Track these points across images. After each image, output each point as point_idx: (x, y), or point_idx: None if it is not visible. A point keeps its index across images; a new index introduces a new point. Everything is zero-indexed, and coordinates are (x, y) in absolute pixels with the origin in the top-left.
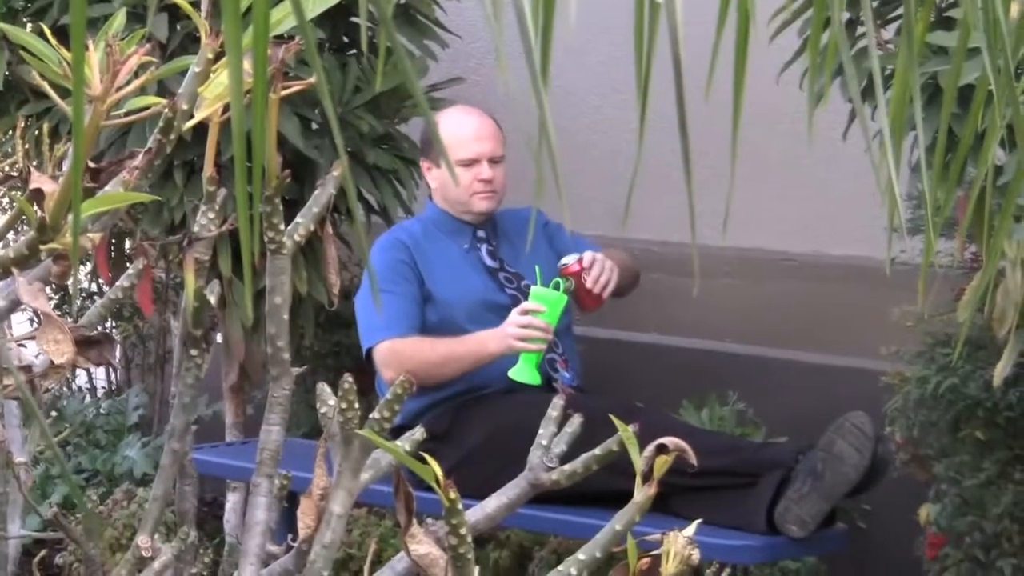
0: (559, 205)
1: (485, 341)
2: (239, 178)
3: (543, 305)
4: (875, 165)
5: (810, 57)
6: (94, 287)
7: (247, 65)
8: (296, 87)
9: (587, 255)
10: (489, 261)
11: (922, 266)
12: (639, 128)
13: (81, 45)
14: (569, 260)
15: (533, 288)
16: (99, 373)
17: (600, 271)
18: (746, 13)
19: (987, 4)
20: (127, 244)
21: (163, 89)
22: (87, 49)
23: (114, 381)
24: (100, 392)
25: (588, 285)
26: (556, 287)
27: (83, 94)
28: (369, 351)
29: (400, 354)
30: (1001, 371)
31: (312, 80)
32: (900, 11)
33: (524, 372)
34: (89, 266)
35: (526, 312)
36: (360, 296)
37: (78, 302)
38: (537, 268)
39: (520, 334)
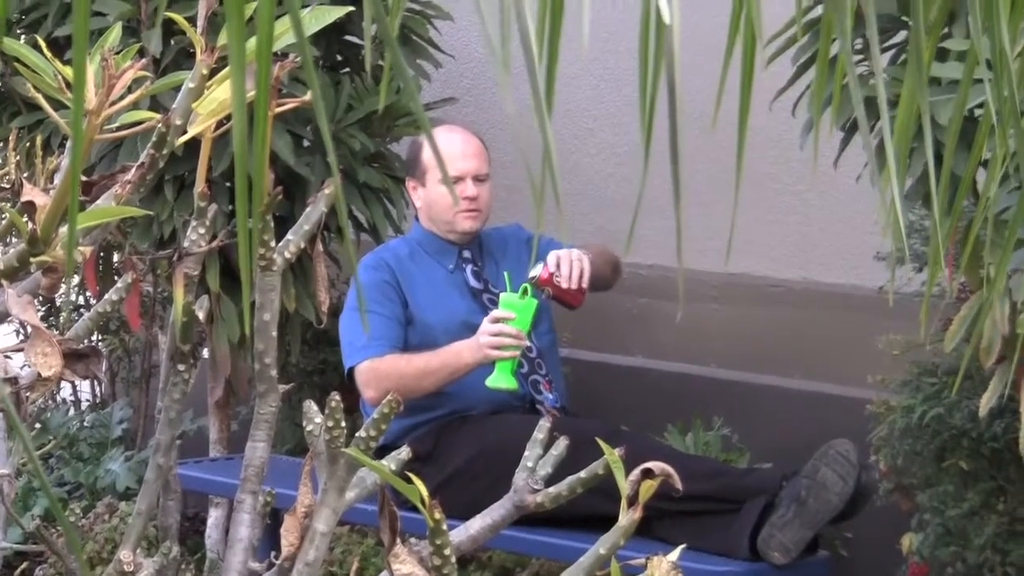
0: (549, 224)
1: (460, 352)
2: (240, 192)
3: (512, 312)
4: (881, 192)
5: (816, 88)
6: (81, 300)
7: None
8: (291, 104)
9: (551, 257)
10: (474, 282)
11: (925, 296)
12: (643, 153)
13: (83, 58)
14: (536, 271)
15: (502, 295)
16: (84, 386)
17: (569, 267)
18: (752, 40)
19: (993, 35)
20: (115, 257)
21: (155, 104)
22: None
23: (99, 394)
24: (84, 405)
25: (564, 285)
26: (524, 292)
27: (83, 107)
28: (351, 371)
29: (378, 372)
30: (987, 402)
31: (307, 98)
32: (892, 40)
33: (501, 379)
34: (77, 279)
35: (497, 320)
36: (344, 316)
37: (64, 314)
38: (507, 274)
39: (493, 342)
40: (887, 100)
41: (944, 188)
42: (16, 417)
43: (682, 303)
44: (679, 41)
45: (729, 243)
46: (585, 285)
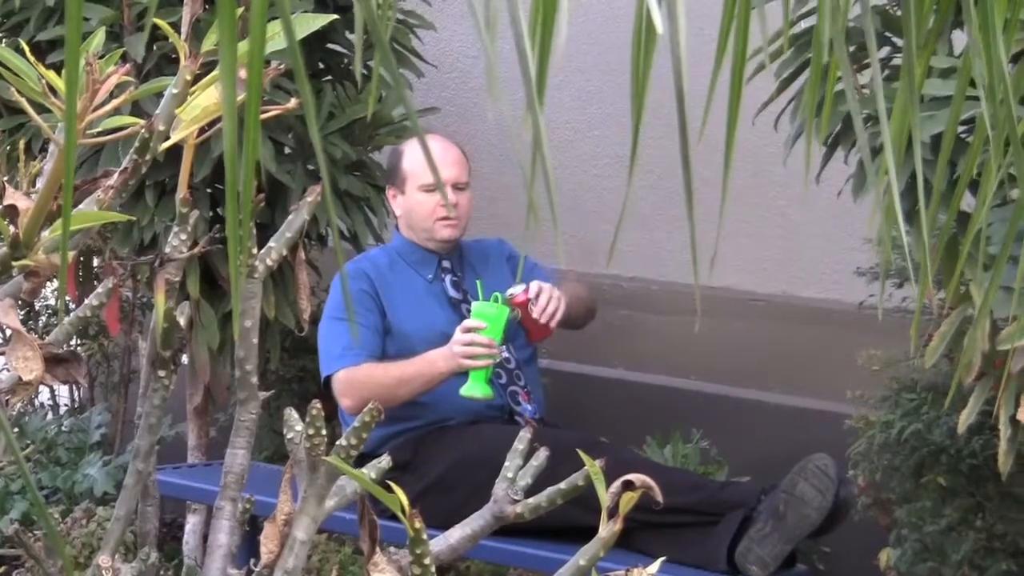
0: (530, 234)
1: (434, 361)
2: (230, 198)
3: (483, 321)
4: (876, 205)
5: (807, 102)
6: (60, 304)
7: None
8: (274, 111)
9: (533, 285)
10: (453, 292)
11: (916, 312)
12: (630, 166)
13: (76, 62)
14: (516, 290)
15: (474, 304)
16: (62, 390)
17: (547, 301)
18: (743, 53)
19: (988, 49)
20: (95, 262)
21: (137, 110)
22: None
23: (77, 399)
24: (63, 410)
25: (535, 315)
26: (496, 301)
27: (75, 111)
28: (327, 380)
29: (354, 381)
30: (966, 418)
31: (290, 105)
32: (882, 53)
33: (475, 388)
34: (56, 283)
35: (469, 330)
36: (322, 325)
37: (43, 319)
38: (479, 282)
39: (466, 352)
40: (864, 117)
41: (936, 203)
42: (3, 418)
43: (699, 317)
44: (685, 49)
45: (713, 258)
46: (553, 325)
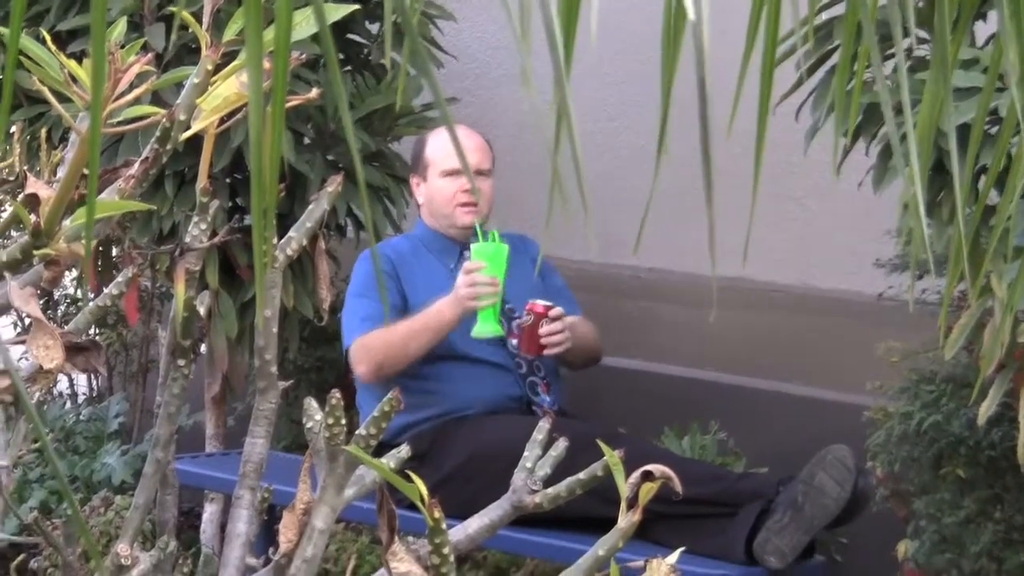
0: (550, 233)
1: (440, 310)
2: (255, 187)
3: (483, 260)
4: (903, 197)
5: (836, 87)
6: (79, 293)
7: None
8: (295, 101)
9: (558, 310)
10: None
11: (943, 303)
12: (656, 156)
13: (101, 51)
14: (540, 302)
15: (473, 245)
16: (81, 379)
17: (557, 331)
18: (773, 44)
19: (1020, 36)
20: (114, 252)
21: (156, 99)
22: (85, 56)
23: (95, 388)
24: (81, 398)
25: (539, 332)
26: (493, 239)
27: (101, 100)
28: (347, 354)
29: (367, 346)
30: (986, 410)
31: (311, 95)
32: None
33: (485, 328)
34: (75, 272)
35: (470, 271)
36: (344, 306)
37: (62, 308)
38: (478, 225)
39: (470, 293)
40: (891, 107)
41: (964, 195)
42: (29, 403)
43: (714, 308)
44: (708, 37)
45: (745, 249)
46: (546, 353)
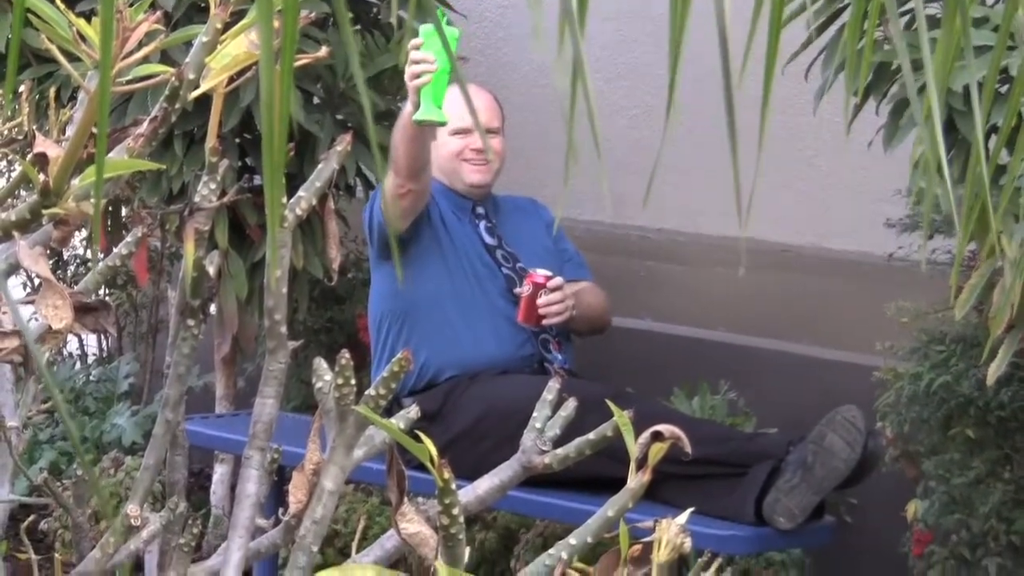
0: (568, 193)
1: (404, 107)
2: (266, 146)
3: (425, 40)
4: (914, 157)
5: (848, 44)
6: (88, 253)
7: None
8: (304, 59)
9: (556, 280)
10: (488, 238)
11: (955, 262)
12: (666, 115)
13: (110, 9)
14: (541, 271)
15: (421, 27)
16: (90, 340)
17: (556, 301)
18: (780, 2)
19: None
20: (123, 212)
21: (165, 58)
22: (94, 15)
23: (105, 349)
24: (91, 359)
25: (536, 302)
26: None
27: (110, 58)
28: (381, 226)
29: (385, 181)
30: (995, 370)
31: (320, 54)
32: (909, 5)
33: (426, 111)
34: (85, 232)
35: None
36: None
37: (71, 268)
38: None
39: (410, 72)
40: (896, 67)
41: (977, 155)
42: (43, 363)
43: (742, 268)
44: None
45: (747, 208)
46: (545, 324)
